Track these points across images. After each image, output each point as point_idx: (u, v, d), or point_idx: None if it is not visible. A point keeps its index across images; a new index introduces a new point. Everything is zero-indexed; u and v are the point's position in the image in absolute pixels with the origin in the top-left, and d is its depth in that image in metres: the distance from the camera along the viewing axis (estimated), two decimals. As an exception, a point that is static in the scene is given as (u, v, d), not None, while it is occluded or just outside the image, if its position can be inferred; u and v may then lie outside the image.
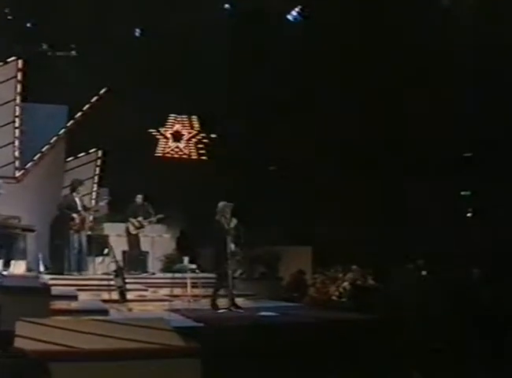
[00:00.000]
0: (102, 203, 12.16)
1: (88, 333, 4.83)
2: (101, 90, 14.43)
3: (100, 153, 14.90)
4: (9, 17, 13.92)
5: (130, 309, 8.77)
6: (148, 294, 9.84)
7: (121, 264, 9.70)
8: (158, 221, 11.57)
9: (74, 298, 7.93)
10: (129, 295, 9.40)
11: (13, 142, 13.02)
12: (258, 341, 6.87)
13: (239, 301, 10.89)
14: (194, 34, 15.20)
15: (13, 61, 12.52)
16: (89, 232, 12.13)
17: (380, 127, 15.39)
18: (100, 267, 11.83)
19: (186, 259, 9.60)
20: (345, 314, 9.69)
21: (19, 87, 12.70)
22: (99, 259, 11.75)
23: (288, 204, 15.88)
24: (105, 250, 11.74)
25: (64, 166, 14.50)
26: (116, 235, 12.81)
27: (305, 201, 16.02)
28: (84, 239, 10.73)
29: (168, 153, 16.48)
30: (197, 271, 9.13)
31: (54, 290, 7.95)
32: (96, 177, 14.92)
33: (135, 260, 11.57)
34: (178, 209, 14.57)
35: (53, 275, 10.10)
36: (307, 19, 14.80)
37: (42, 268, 10.43)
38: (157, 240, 13.53)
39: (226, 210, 9.58)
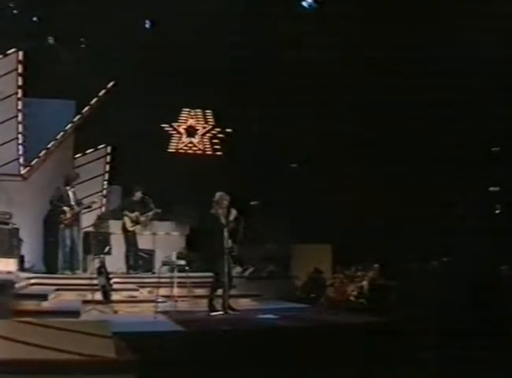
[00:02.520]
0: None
1: (4, 338, 3.90)
2: (108, 83, 13.66)
3: (109, 149, 14.12)
4: (15, 11, 13.22)
5: (115, 311, 7.86)
6: (138, 294, 8.89)
7: (104, 261, 8.74)
8: (154, 216, 10.54)
9: (44, 297, 7.06)
10: (118, 296, 8.51)
11: (17, 138, 12.30)
12: (238, 348, 5.84)
13: (244, 302, 9.98)
14: (206, 25, 14.31)
15: (13, 53, 11.78)
16: (92, 229, 11.35)
17: (402, 120, 14.17)
18: (100, 266, 11.01)
19: (174, 254, 8.59)
20: (357, 317, 8.55)
21: (20, 80, 11.98)
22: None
23: (308, 201, 14.85)
24: (106, 248, 10.94)
25: (73, 163, 13.78)
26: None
27: (326, 198, 14.93)
28: (77, 236, 9.82)
29: (181, 148, 15.59)
30: (186, 268, 8.10)
31: (29, 290, 7.10)
32: (106, 174, 14.17)
33: (134, 259, 10.64)
34: (189, 206, 13.65)
35: (36, 273, 9.28)
36: (321, 4, 13.67)
37: (27, 266, 9.63)
38: (165, 238, 12.64)
39: (223, 202, 8.58)
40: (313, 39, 14.05)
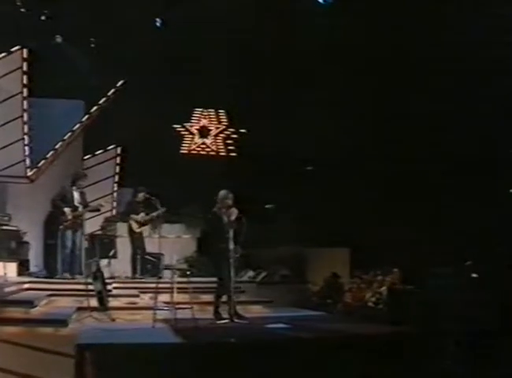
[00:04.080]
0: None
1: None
2: (118, 83, 13.07)
3: (119, 150, 13.51)
4: (22, 10, 12.71)
5: (113, 319, 7.17)
6: (139, 300, 8.16)
7: (100, 265, 8.04)
8: (161, 217, 9.77)
9: (30, 304, 6.39)
10: (117, 302, 7.82)
11: (22, 139, 11.74)
12: (240, 363, 5.11)
13: (254, 309, 9.23)
14: (219, 23, 13.67)
15: (18, 50, 11.23)
16: (99, 232, 10.77)
17: (421, 121, 13.32)
18: (106, 270, 10.36)
19: (175, 257, 7.88)
20: (377, 327, 7.68)
21: (25, 78, 11.42)
22: (104, 262, 10.28)
23: (326, 204, 14.06)
24: (112, 252, 10.32)
25: (82, 164, 13.21)
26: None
27: (344, 201, 14.12)
28: (80, 239, 9.13)
29: (194, 149, 14.91)
30: (188, 272, 7.35)
31: (19, 295, 6.46)
32: (116, 176, 13.55)
33: (142, 262, 9.95)
34: (201, 209, 12.95)
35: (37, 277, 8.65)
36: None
37: (35, 270, 9.00)
38: (176, 242, 11.97)
39: (226, 201, 7.86)
40: (329, 35, 13.42)
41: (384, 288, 10.67)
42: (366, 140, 14.02)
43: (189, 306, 7.03)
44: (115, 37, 13.21)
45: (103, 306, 7.11)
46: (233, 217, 7.80)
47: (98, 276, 7.17)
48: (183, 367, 4.97)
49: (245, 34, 13.58)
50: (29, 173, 11.93)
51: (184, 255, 12.21)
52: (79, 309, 7.19)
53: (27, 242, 11.01)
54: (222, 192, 7.97)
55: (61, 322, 5.98)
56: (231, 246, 7.65)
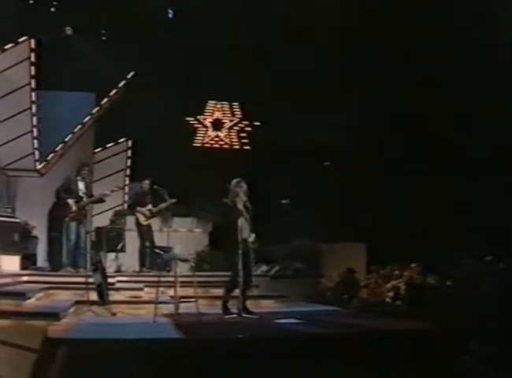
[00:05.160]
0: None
1: None
2: (128, 74, 12.65)
3: (130, 142, 13.10)
4: (31, 1, 12.37)
5: (113, 314, 6.71)
6: (143, 294, 7.68)
7: (100, 257, 7.59)
8: (170, 209, 9.22)
9: (23, 296, 5.96)
10: (120, 296, 7.37)
11: (31, 132, 11.37)
12: (240, 361, 4.60)
13: (267, 303, 8.74)
14: (231, 13, 13.19)
15: (25, 41, 10.85)
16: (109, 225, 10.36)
17: (443, 113, 12.67)
18: (113, 264, 9.95)
19: (178, 247, 7.38)
20: (392, 322, 7.11)
21: (33, 69, 11.04)
22: (112, 256, 9.87)
23: (342, 198, 13.51)
24: (119, 245, 9.89)
25: (92, 157, 12.83)
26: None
27: (360, 195, 13.55)
28: (84, 231, 8.67)
29: (207, 142, 14.43)
30: (191, 263, 6.83)
31: (13, 288, 6.05)
32: (128, 170, 13.15)
33: (150, 256, 9.46)
34: (214, 203, 12.47)
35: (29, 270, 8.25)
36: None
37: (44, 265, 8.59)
38: (187, 236, 11.52)
39: (238, 189, 7.37)
40: (349, 30, 12.86)
41: (401, 283, 10.09)
42: (384, 135, 13.45)
43: (193, 300, 6.50)
44: (126, 28, 12.88)
45: (103, 300, 6.66)
46: (240, 206, 7.30)
47: (97, 268, 6.71)
48: (175, 365, 4.46)
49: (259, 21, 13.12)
50: (38, 167, 11.56)
51: (196, 249, 11.77)
52: (78, 302, 6.76)
53: (35, 237, 10.67)
54: (234, 181, 7.49)
55: (53, 315, 5.53)
56: (245, 235, 7.15)
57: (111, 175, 12.90)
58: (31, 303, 6.17)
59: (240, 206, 7.40)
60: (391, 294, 10.18)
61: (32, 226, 10.80)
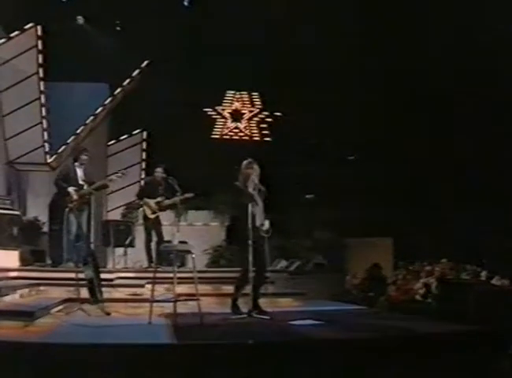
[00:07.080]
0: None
1: None
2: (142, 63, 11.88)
3: (145, 134, 12.31)
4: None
5: (108, 313, 5.86)
6: (147, 291, 6.78)
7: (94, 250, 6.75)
8: (183, 202, 8.24)
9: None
10: (119, 293, 6.55)
11: (41, 123, 10.65)
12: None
13: (284, 302, 7.78)
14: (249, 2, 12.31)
15: (31, 28, 10.14)
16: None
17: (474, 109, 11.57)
18: (122, 260, 9.16)
19: (176, 234, 6.45)
20: (426, 324, 6.05)
21: (40, 57, 10.32)
22: (120, 251, 9.07)
23: (367, 192, 12.53)
24: (128, 239, 9.09)
25: (106, 150, 12.09)
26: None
27: (386, 189, 12.54)
28: (86, 222, 7.83)
29: (226, 134, 13.57)
30: (193, 256, 5.90)
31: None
32: (143, 163, 12.36)
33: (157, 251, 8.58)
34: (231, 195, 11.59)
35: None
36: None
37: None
38: (203, 229, 10.67)
39: (249, 171, 6.41)
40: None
41: (432, 280, 9.05)
42: (410, 129, 12.42)
43: (194, 298, 5.62)
44: (140, 17, 12.13)
45: (95, 297, 5.83)
46: (252, 189, 6.32)
47: (88, 261, 5.87)
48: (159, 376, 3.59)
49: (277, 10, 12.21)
50: (49, 160, 10.82)
51: (212, 244, 10.92)
52: (68, 300, 5.95)
53: (45, 233, 9.95)
54: (245, 161, 6.49)
55: (28, 315, 4.71)
56: (257, 223, 6.20)
57: (126, 168, 12.09)
58: (6, 300, 5.37)
59: (251, 190, 6.42)
60: (421, 291, 9.16)
61: (42, 222, 10.11)
